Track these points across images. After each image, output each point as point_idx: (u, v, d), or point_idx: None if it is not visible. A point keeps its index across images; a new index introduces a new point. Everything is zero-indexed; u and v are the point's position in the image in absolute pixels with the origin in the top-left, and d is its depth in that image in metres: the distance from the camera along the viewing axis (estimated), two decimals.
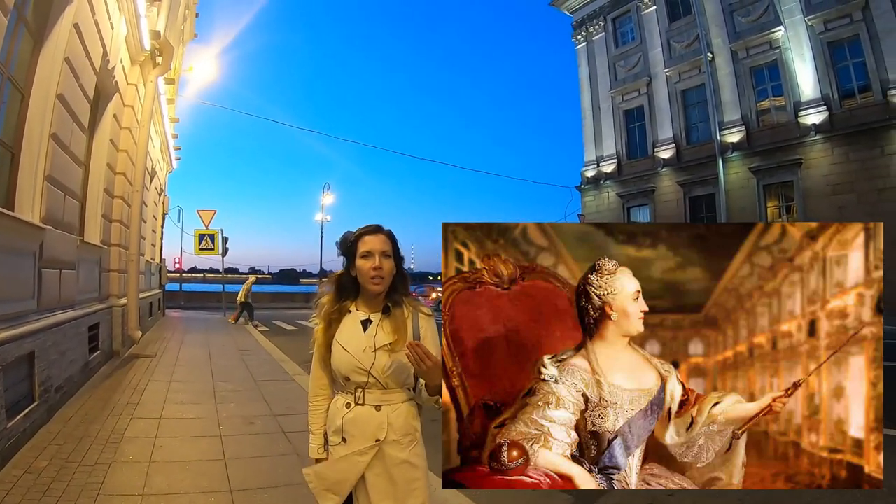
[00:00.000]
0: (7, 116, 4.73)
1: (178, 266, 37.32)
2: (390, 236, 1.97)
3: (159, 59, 9.49)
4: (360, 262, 1.91)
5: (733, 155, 23.80)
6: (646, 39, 28.19)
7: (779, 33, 22.34)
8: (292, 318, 23.59)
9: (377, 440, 1.86)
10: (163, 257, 21.21)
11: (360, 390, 1.90)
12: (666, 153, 26.90)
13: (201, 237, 20.56)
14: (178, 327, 16.35)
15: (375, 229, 1.96)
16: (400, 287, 1.99)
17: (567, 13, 32.91)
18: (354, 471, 1.87)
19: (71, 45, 5.43)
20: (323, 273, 45.44)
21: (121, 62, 8.35)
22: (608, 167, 30.18)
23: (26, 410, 4.48)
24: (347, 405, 1.91)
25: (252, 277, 21.50)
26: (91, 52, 6.27)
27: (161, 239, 20.43)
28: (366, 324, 1.94)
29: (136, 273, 9.76)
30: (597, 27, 31.14)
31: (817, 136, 21.00)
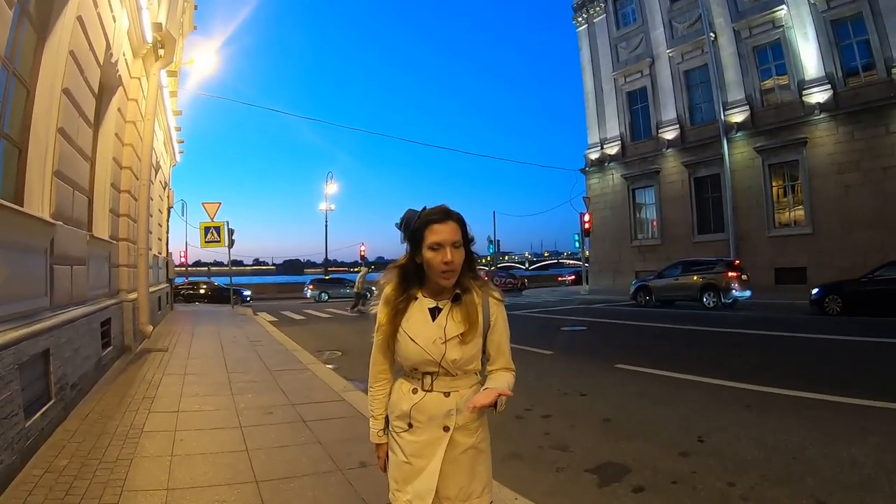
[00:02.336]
0: (13, 112, 4.66)
1: (183, 260, 37.38)
2: (460, 222, 1.79)
3: (161, 52, 9.39)
4: (428, 255, 1.75)
5: (738, 135, 23.72)
6: (647, 20, 28.03)
7: (781, 12, 22.17)
8: (300, 308, 23.64)
9: (446, 427, 1.77)
10: (169, 251, 21.21)
11: (427, 377, 1.81)
12: (670, 134, 26.80)
13: (207, 230, 20.46)
14: (187, 320, 16.37)
15: (444, 216, 1.77)
16: (468, 274, 1.85)
17: None
18: (433, 474, 1.78)
19: (75, 38, 5.34)
20: (328, 262, 45.47)
21: (123, 55, 8.26)
22: (612, 149, 30.10)
23: (44, 409, 4.45)
24: (414, 391, 1.82)
25: (364, 269, 23.65)
26: (95, 46, 6.19)
27: (167, 233, 20.40)
28: (434, 312, 1.82)
29: (145, 267, 9.73)
30: (598, 9, 30.95)
31: (822, 115, 20.90)
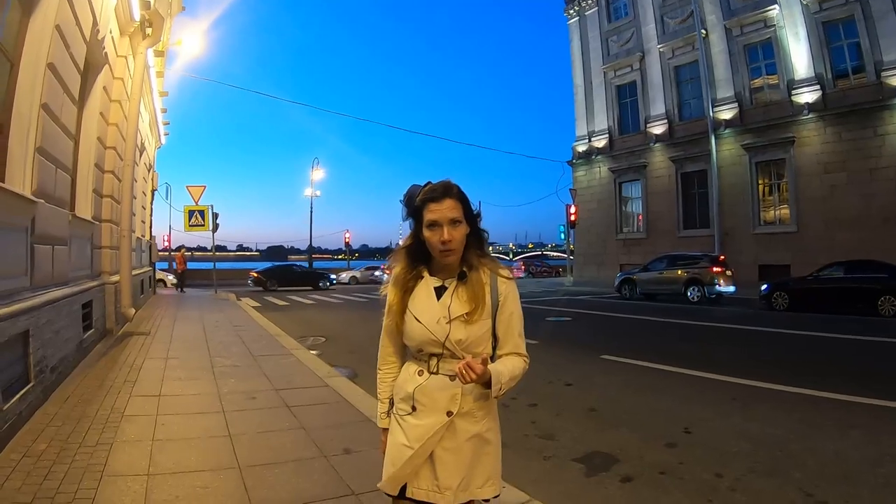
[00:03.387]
0: None
1: (166, 244, 36.95)
2: (460, 197, 1.74)
3: (149, 31, 9.18)
4: (427, 234, 1.71)
5: (726, 132, 23.83)
6: (639, 15, 28.01)
7: (773, 11, 22.26)
8: (283, 295, 23.50)
9: (449, 412, 1.70)
10: (153, 234, 20.94)
11: (434, 359, 1.75)
12: (658, 129, 26.88)
13: (191, 213, 20.23)
14: (170, 304, 16.20)
15: (442, 193, 1.71)
16: (475, 248, 1.79)
17: None
18: (423, 456, 1.72)
19: (61, 12, 5.19)
20: (312, 249, 45.14)
21: (110, 32, 8.07)
22: (600, 142, 30.14)
23: (22, 391, 4.35)
24: (420, 373, 1.76)
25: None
26: (81, 21, 6.02)
27: (150, 216, 20.14)
28: (440, 291, 1.77)
29: (128, 250, 9.57)
30: (589, 2, 30.92)
31: (810, 115, 21.05)
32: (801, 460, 4.07)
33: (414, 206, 1.75)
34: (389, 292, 1.84)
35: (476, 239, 1.79)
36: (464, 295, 1.73)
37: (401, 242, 1.89)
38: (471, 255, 1.78)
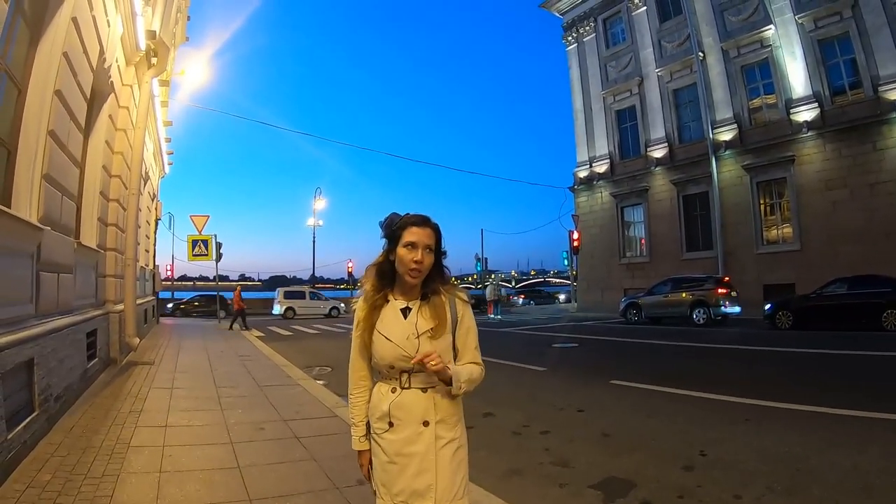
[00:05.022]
0: (3, 111, 4.53)
1: (169, 273, 36.91)
2: (437, 231, 1.95)
3: (154, 60, 9.28)
4: (401, 251, 1.89)
5: (726, 153, 23.89)
6: (637, 39, 28.26)
7: (769, 32, 22.46)
8: (287, 325, 23.37)
9: (426, 422, 1.86)
10: (156, 264, 20.92)
11: (405, 375, 1.89)
12: (658, 152, 26.94)
13: (195, 242, 20.20)
14: (173, 334, 16.11)
15: (423, 221, 1.93)
16: (437, 279, 1.97)
17: (557, 15, 32.96)
18: (428, 471, 1.86)
19: (69, 39, 5.23)
20: (315, 279, 45.08)
21: (116, 62, 8.15)
22: (601, 167, 30.19)
23: (27, 420, 4.28)
24: (393, 390, 1.90)
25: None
26: (88, 49, 6.08)
27: (154, 245, 20.14)
28: (405, 312, 1.94)
29: (132, 278, 9.53)
30: (587, 28, 31.19)
31: (809, 133, 21.11)
32: (820, 477, 4.00)
33: (394, 227, 1.93)
34: (359, 309, 1.99)
35: (438, 272, 1.97)
36: (427, 313, 1.92)
37: (372, 261, 2.04)
38: (433, 282, 1.96)
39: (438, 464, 1.84)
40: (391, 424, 1.88)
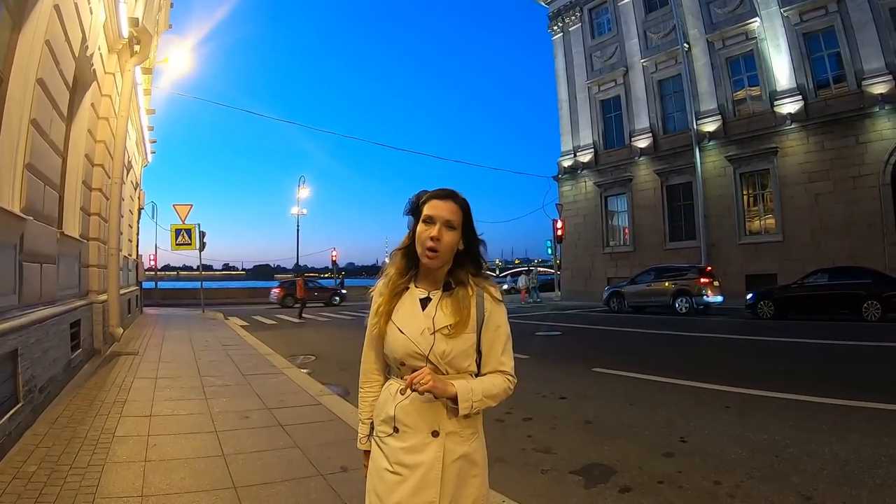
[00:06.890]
0: None
1: (153, 263, 36.60)
2: (463, 206, 1.69)
3: (137, 48, 9.16)
4: (419, 228, 1.66)
5: (710, 144, 24.08)
6: (622, 30, 28.33)
7: (755, 24, 22.62)
8: (271, 314, 23.31)
9: (435, 432, 1.62)
10: (139, 253, 20.75)
11: None
12: (643, 142, 27.11)
13: (178, 232, 20.06)
14: (157, 324, 16.02)
15: (447, 195, 1.68)
16: (468, 265, 1.73)
17: (543, 4, 32.93)
18: (432, 485, 1.61)
19: (51, 27, 5.18)
20: (299, 268, 44.97)
21: (98, 49, 8.04)
22: (585, 157, 30.31)
23: (11, 412, 4.27)
24: (402, 391, 1.64)
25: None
26: (71, 37, 6.01)
27: (137, 235, 19.96)
28: (424, 302, 1.70)
29: (116, 268, 9.47)
30: (573, 18, 31.20)
31: (793, 126, 21.33)
32: (799, 464, 4.09)
33: (416, 203, 1.71)
34: (377, 293, 1.78)
35: (470, 257, 1.74)
36: (448, 307, 1.67)
37: (397, 245, 1.81)
38: (461, 271, 1.73)
39: (444, 481, 1.60)
40: (396, 430, 1.65)
